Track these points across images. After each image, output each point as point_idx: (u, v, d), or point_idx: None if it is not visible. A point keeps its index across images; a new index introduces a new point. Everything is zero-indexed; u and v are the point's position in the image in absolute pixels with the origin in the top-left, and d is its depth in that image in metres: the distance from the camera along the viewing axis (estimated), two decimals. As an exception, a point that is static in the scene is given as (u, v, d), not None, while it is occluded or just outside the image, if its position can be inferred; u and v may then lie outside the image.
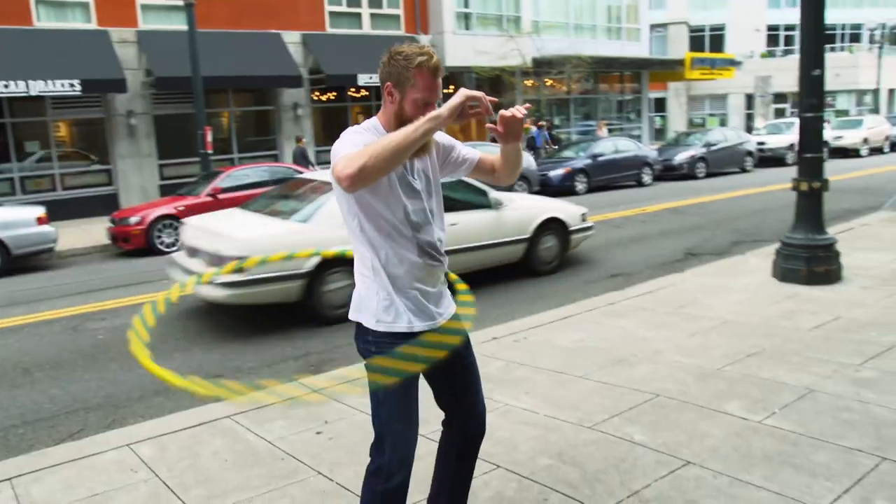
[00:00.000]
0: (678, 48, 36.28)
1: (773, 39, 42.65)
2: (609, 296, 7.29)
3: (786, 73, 38.58)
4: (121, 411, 5.31)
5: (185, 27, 15.36)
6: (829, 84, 43.19)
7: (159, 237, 12.52)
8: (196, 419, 4.60)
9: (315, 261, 6.89)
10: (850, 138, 26.94)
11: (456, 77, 24.13)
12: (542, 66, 23.34)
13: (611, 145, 20.26)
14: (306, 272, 6.97)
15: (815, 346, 5.25)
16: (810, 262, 7.23)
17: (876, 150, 28.12)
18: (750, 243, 10.62)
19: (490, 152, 2.82)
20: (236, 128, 20.55)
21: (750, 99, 38.93)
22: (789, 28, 42.84)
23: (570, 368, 5.08)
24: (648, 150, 21.84)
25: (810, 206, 7.43)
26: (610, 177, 19.55)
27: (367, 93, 22.13)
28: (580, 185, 18.82)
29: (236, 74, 18.39)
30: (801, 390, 4.39)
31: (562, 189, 18.34)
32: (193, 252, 7.50)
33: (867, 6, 43.25)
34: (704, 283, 7.59)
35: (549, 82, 24.59)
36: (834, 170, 21.26)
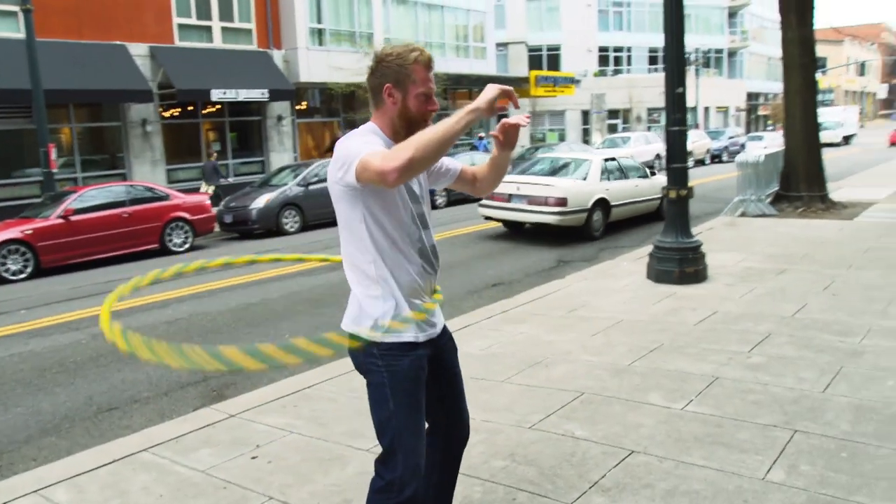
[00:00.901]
0: (518, 66, 38.02)
1: (604, 59, 45.76)
2: (500, 304, 7.53)
3: (617, 91, 41.53)
4: (6, 456, 4.82)
5: (16, 34, 14.13)
6: (657, 102, 46.37)
7: (3, 264, 11.35)
8: (109, 455, 4.26)
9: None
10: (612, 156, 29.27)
11: (309, 92, 23.93)
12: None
13: (480, 158, 20.90)
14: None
15: (706, 338, 5.73)
16: (682, 263, 7.86)
17: (699, 162, 30.80)
18: (613, 249, 11.35)
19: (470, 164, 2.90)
20: (79, 145, 19.12)
21: (586, 115, 41.40)
22: (618, 49, 46.23)
23: (489, 374, 5.21)
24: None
25: (679, 211, 8.07)
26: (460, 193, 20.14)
27: (219, 107, 21.36)
28: (439, 200, 19.18)
29: (78, 88, 17.14)
30: (707, 378, 4.79)
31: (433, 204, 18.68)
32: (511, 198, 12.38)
33: (686, 33, 47.55)
34: (588, 287, 8.03)
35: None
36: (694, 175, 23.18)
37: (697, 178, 23.80)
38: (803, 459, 3.56)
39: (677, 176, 8.09)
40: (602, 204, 12.50)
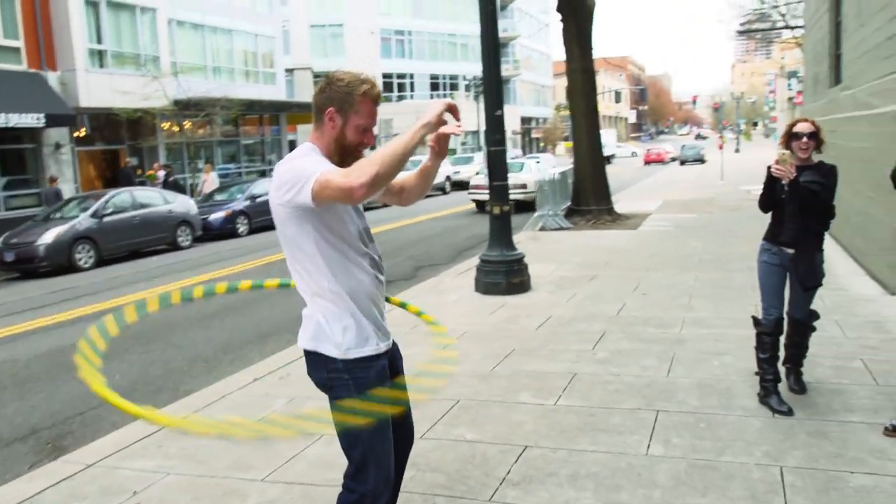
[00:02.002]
0: (304, 92, 37.87)
1: (388, 86, 47.03)
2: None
3: (403, 116, 42.75)
4: None
5: None
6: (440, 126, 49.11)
7: None
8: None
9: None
10: (465, 172, 30.75)
11: (90, 118, 22.09)
12: (190, 108, 22.55)
13: (267, 186, 20.42)
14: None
15: (551, 341, 6.18)
16: (508, 274, 8.37)
17: (487, 182, 32.60)
18: (429, 267, 11.74)
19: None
20: None
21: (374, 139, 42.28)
22: (401, 76, 47.78)
23: (358, 392, 5.22)
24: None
25: (502, 226, 8.59)
26: (270, 217, 19.64)
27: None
28: (242, 227, 18.62)
29: None
30: (566, 375, 5.18)
31: (224, 232, 18.01)
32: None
33: (460, 60, 50.39)
34: (422, 304, 8.24)
35: (188, 125, 23.81)
36: (460, 200, 24.34)
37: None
38: (672, 434, 4.01)
39: (499, 193, 8.61)
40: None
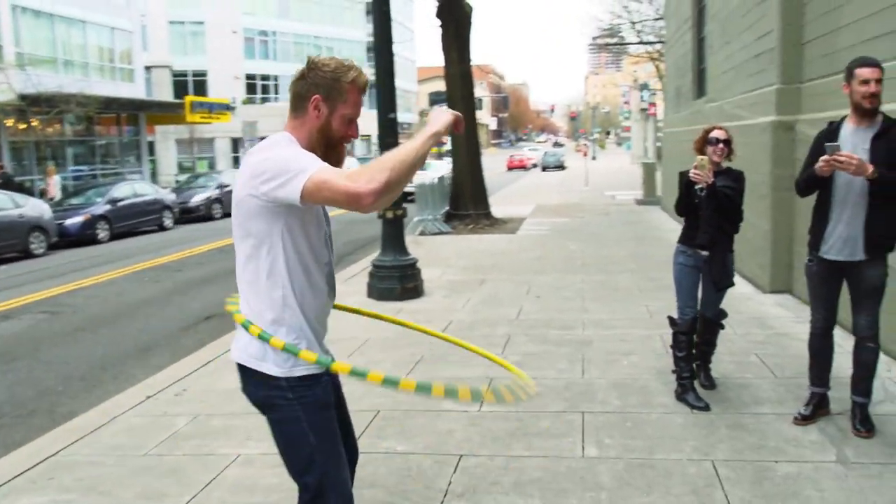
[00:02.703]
0: (162, 91, 36.01)
1: (251, 87, 45.57)
2: (227, 338, 7.14)
3: (269, 119, 41.50)
4: None
5: None
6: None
7: None
8: None
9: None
10: None
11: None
12: (39, 104, 20.72)
13: (129, 189, 19.15)
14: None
15: (457, 347, 6.11)
16: (402, 280, 8.27)
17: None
18: (313, 273, 11.40)
19: None
20: None
21: (236, 142, 40.75)
22: (265, 78, 46.38)
23: (267, 407, 4.93)
24: (166, 193, 21.25)
25: (395, 231, 8.47)
26: (132, 223, 18.47)
27: None
28: (102, 233, 17.34)
29: None
30: (483, 380, 5.14)
31: (83, 238, 16.71)
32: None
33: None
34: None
35: (36, 122, 21.92)
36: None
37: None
38: (603, 434, 4.06)
39: (393, 197, 8.46)
40: None
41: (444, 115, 2.19)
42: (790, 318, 6.56)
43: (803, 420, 4.08)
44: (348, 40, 51.75)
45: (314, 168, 2.02)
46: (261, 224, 2.16)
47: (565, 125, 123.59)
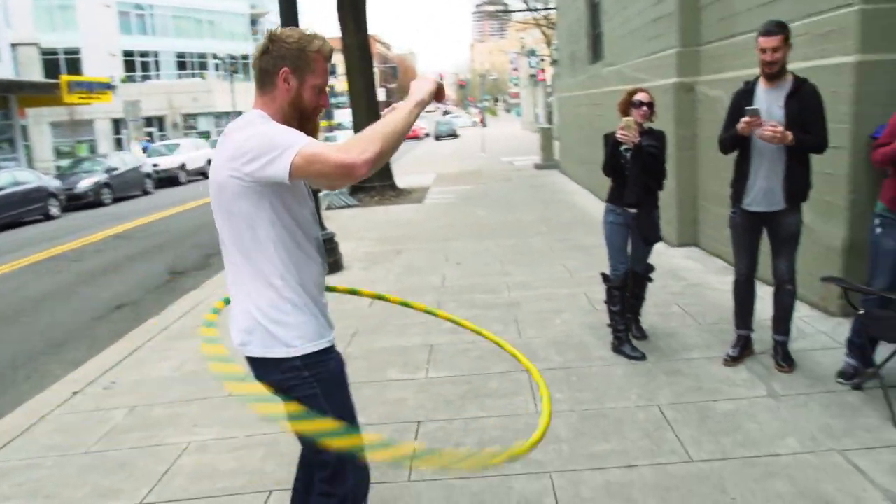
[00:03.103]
0: (32, 71, 33.62)
1: (130, 65, 43.09)
2: (155, 322, 6.91)
3: (151, 98, 39.57)
4: None
5: None
6: (189, 107, 45.45)
7: None
8: None
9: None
10: (167, 163, 26.41)
11: None
12: None
13: (9, 177, 17.88)
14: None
15: (391, 316, 6.15)
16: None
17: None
18: (220, 255, 11.08)
19: None
20: None
21: (118, 123, 38.67)
22: (144, 54, 43.97)
23: (206, 392, 4.83)
24: (49, 179, 19.97)
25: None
26: (15, 213, 17.29)
27: None
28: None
29: None
30: (424, 348, 5.22)
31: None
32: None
33: (208, 38, 47.51)
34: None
35: None
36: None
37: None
38: (552, 389, 4.20)
39: (308, 172, 8.33)
40: None
41: (427, 84, 2.20)
42: (700, 269, 6.96)
43: (732, 361, 4.39)
44: (232, 13, 49.68)
45: (302, 142, 1.99)
46: (245, 205, 2.12)
47: (453, 94, 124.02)
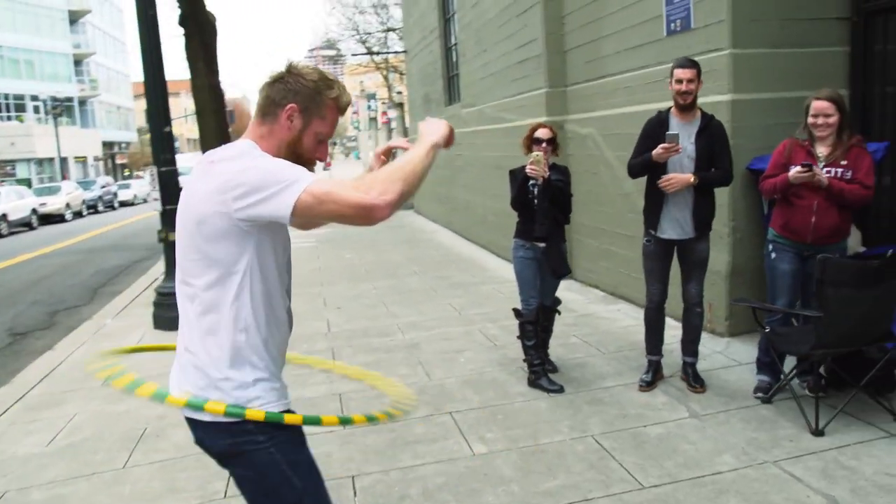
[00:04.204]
0: None
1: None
2: (21, 380, 6.18)
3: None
4: None
5: None
6: (6, 153, 42.12)
7: None
8: None
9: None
10: (53, 204, 27.16)
11: None
12: None
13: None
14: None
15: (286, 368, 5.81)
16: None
17: (77, 214, 29.15)
18: (67, 311, 10.12)
19: None
20: None
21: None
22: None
23: (93, 466, 4.30)
24: None
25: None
26: None
27: None
28: None
29: None
30: (333, 397, 4.96)
31: None
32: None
33: (26, 78, 43.84)
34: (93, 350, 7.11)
35: None
36: (56, 235, 21.48)
37: (83, 232, 22.59)
38: (482, 430, 4.14)
39: (172, 218, 7.79)
40: None
41: (441, 127, 2.05)
42: (583, 300, 7.20)
43: (647, 386, 4.54)
44: (54, 52, 46.20)
45: (309, 178, 1.79)
46: (229, 247, 1.87)
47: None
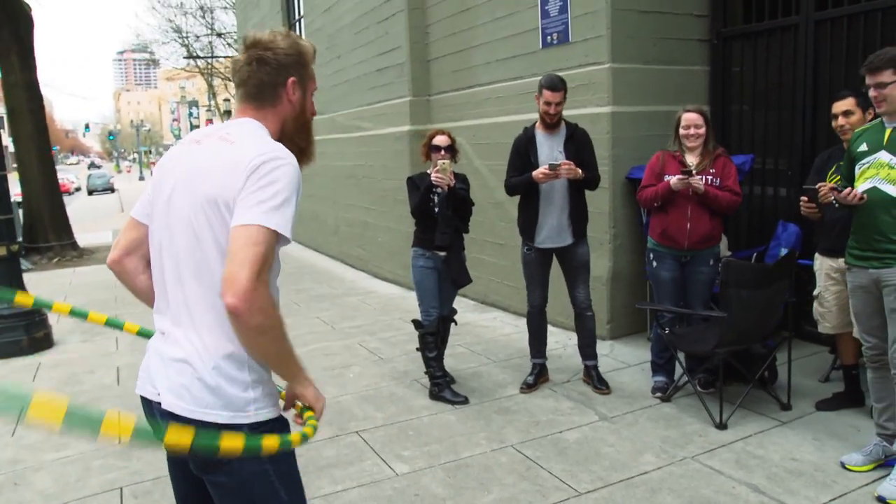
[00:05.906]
0: None
1: None
2: None
3: None
4: None
5: None
6: None
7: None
8: None
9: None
10: None
11: None
12: None
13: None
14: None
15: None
16: (29, 329, 6.82)
17: None
18: None
19: None
20: None
21: None
22: None
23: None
24: None
25: (10, 271, 6.92)
26: None
27: None
28: None
29: None
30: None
31: None
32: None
33: None
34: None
35: None
36: None
37: None
38: (396, 447, 3.96)
39: (3, 229, 6.91)
40: None
41: (319, 403, 1.88)
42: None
43: (528, 388, 4.71)
44: None
45: (281, 223, 1.67)
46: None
47: (97, 145, 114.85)
